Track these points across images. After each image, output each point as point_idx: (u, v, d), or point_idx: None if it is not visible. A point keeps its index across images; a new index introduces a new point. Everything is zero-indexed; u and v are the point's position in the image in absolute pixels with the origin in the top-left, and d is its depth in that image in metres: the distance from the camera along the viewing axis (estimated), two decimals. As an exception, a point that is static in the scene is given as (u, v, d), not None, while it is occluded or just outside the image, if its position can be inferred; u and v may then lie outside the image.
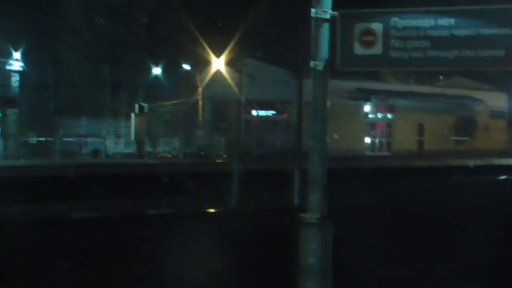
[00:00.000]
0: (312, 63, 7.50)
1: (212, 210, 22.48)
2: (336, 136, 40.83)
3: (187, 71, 48.42)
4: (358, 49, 7.54)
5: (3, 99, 41.70)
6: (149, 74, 48.42)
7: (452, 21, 7.32)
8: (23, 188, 24.61)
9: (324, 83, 7.55)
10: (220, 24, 41.52)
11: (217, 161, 38.17)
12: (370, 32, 7.54)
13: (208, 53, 43.45)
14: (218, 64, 44.03)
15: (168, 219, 19.43)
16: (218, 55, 43.49)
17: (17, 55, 45.97)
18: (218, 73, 44.25)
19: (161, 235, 15.68)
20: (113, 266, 12.92)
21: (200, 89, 47.20)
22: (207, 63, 44.47)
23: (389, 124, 55.22)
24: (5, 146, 39.06)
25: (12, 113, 45.42)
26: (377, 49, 7.52)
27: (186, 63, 47.98)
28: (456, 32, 7.30)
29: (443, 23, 7.34)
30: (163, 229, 16.71)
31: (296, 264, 7.52)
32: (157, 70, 48.70)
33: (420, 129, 54.74)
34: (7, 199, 22.60)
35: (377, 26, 7.52)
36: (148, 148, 42.74)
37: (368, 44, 7.54)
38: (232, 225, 18.76)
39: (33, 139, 42.16)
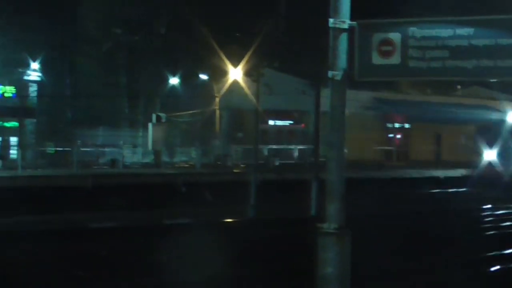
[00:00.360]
0: (330, 73, 7.50)
1: (229, 220, 22.47)
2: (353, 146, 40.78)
3: (204, 81, 48.53)
4: (376, 59, 7.53)
5: (21, 109, 41.99)
6: (167, 84, 48.58)
7: (470, 31, 7.29)
8: (40, 197, 24.74)
9: (342, 93, 7.55)
10: (238, 34, 41.59)
11: (234, 171, 38.19)
12: (388, 42, 7.53)
13: (225, 63, 43.53)
14: (235, 74, 44.10)
15: (185, 229, 19.43)
16: (235, 65, 43.57)
17: (35, 65, 46.30)
18: (235, 83, 44.31)
19: (178, 245, 15.69)
20: (129, 276, 12.94)
21: (217, 99, 47.28)
22: (224, 73, 44.55)
23: (406, 134, 55.07)
24: (23, 156, 39.27)
25: (30, 123, 45.73)
26: (395, 59, 7.51)
27: (203, 73, 48.09)
28: (475, 42, 7.27)
29: (462, 32, 7.32)
30: (180, 239, 16.71)
31: (314, 274, 7.50)
32: (174, 80, 48.85)
33: (437, 139, 54.54)
34: (25, 209, 22.74)
35: (395, 36, 7.51)
36: (165, 158, 42.83)
37: (386, 54, 7.54)
38: (249, 235, 18.76)
39: (51, 149, 42.39)
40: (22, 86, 46.56)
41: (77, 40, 45.54)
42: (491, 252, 15.85)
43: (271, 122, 50.31)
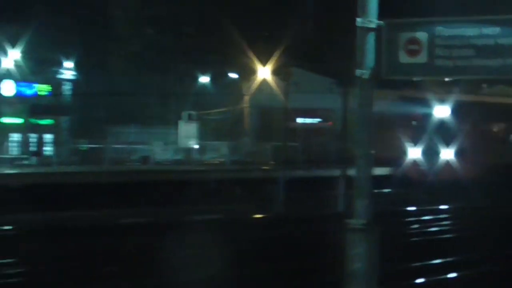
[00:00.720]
0: (357, 72, 7.65)
1: (258, 216, 22.68)
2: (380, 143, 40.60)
3: (234, 79, 48.81)
4: (403, 58, 7.67)
5: (56, 107, 42.58)
6: (197, 82, 48.92)
7: (497, 29, 7.36)
8: (73, 194, 25.12)
9: (369, 91, 7.71)
10: (266, 34, 41.79)
11: (263, 168, 38.37)
12: (415, 41, 7.66)
13: (254, 62, 43.77)
14: (264, 72, 44.32)
15: (214, 224, 19.66)
16: (264, 63, 43.79)
17: (69, 64, 46.91)
18: (264, 81, 44.53)
19: (207, 241, 15.90)
20: (159, 272, 13.16)
21: (246, 97, 47.52)
22: (254, 71, 44.80)
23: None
24: (57, 152, 39.87)
25: (64, 121, 46.34)
26: (421, 58, 7.63)
27: (233, 71, 48.38)
28: (501, 40, 7.32)
29: (488, 31, 7.38)
30: (210, 234, 16.94)
31: (342, 269, 7.62)
32: (205, 79, 49.18)
33: None
34: (58, 205, 23.13)
35: (422, 35, 7.64)
36: (195, 155, 43.14)
37: (413, 53, 7.66)
38: (277, 231, 18.92)
39: (84, 146, 42.90)
40: (56, 84, 47.21)
41: (110, 40, 46.05)
42: (416, 262, 14.26)
43: (299, 120, 50.39)
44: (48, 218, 20.71)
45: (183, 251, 14.98)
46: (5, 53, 43.03)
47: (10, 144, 45.18)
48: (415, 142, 33.95)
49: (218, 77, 48.72)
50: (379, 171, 32.62)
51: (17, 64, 43.29)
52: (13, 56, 43.04)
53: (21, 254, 14.61)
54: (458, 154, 32.94)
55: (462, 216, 22.66)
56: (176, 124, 44.49)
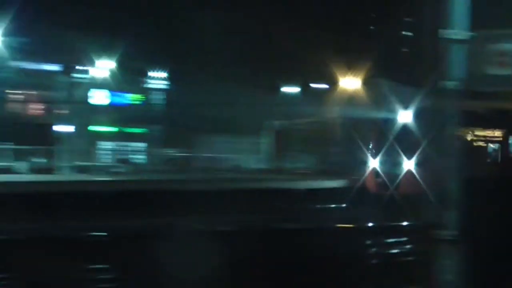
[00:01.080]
0: (444, 83, 7.79)
1: (346, 226, 22.74)
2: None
3: (322, 89, 49.02)
4: (490, 70, 7.79)
5: (148, 116, 43.63)
6: (285, 92, 49.34)
7: None
8: (165, 201, 25.77)
9: (456, 102, 7.83)
10: (355, 43, 41.84)
11: (353, 177, 38.34)
12: (503, 52, 7.79)
13: (342, 72, 43.90)
14: (351, 83, 44.40)
15: (305, 232, 19.89)
16: (351, 74, 43.89)
17: (161, 74, 48.08)
18: (352, 92, 44.58)
19: (298, 249, 16.10)
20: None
21: (334, 107, 47.61)
22: (342, 82, 44.91)
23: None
24: (149, 160, 40.88)
25: (155, 130, 47.44)
26: (510, 70, 7.74)
27: (321, 81, 48.59)
28: None
29: None
30: (299, 243, 17.16)
31: (432, 280, 7.66)
32: (293, 89, 49.56)
33: None
34: (154, 211, 23.86)
35: (510, 47, 7.75)
36: (283, 164, 43.49)
37: (501, 65, 7.79)
38: (363, 241, 18.94)
39: (175, 154, 43.82)
40: (148, 93, 48.39)
41: (201, 50, 46.96)
42: None
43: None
44: (142, 224, 21.17)
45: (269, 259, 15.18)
46: (100, 63, 44.39)
47: (103, 152, 46.49)
48: (376, 150, 29.43)
49: (306, 87, 49.00)
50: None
51: (110, 74, 44.57)
52: (107, 65, 44.34)
53: (114, 260, 14.95)
54: (422, 164, 26.97)
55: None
56: (264, 134, 44.99)
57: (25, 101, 48.72)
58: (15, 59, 43.57)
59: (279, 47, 47.77)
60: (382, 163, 28.48)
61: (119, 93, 48.49)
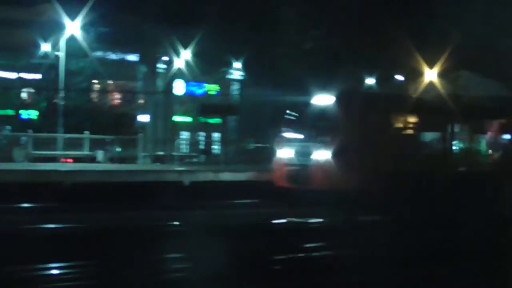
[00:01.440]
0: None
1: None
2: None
3: (400, 81, 48.44)
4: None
5: (224, 107, 43.97)
6: (364, 84, 48.97)
7: None
8: (241, 191, 25.98)
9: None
10: (433, 36, 41.24)
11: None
12: None
13: (421, 64, 43.27)
14: (431, 75, 43.69)
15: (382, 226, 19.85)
16: (431, 66, 43.20)
17: (237, 64, 48.29)
18: (431, 84, 43.89)
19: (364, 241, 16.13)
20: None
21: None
22: (420, 74, 44.29)
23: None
24: (225, 151, 41.13)
25: (232, 120, 47.75)
26: None
27: (399, 74, 48.02)
28: None
29: None
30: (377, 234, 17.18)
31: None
32: (370, 81, 49.13)
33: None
34: (224, 201, 24.10)
35: None
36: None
37: None
38: (439, 235, 18.77)
39: (251, 145, 43.98)
40: (225, 84, 48.74)
41: (277, 41, 46.99)
42: None
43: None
44: (214, 214, 21.31)
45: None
46: (177, 54, 44.87)
47: (180, 142, 47.06)
48: (288, 138, 25.26)
49: (384, 79, 48.54)
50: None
51: (188, 65, 45.01)
52: (185, 56, 44.81)
53: (188, 250, 15.02)
54: (338, 155, 22.92)
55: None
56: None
57: (107, 91, 49.70)
58: (97, 49, 44.40)
59: (359, 39, 47.41)
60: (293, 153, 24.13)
61: (196, 83, 48.95)
